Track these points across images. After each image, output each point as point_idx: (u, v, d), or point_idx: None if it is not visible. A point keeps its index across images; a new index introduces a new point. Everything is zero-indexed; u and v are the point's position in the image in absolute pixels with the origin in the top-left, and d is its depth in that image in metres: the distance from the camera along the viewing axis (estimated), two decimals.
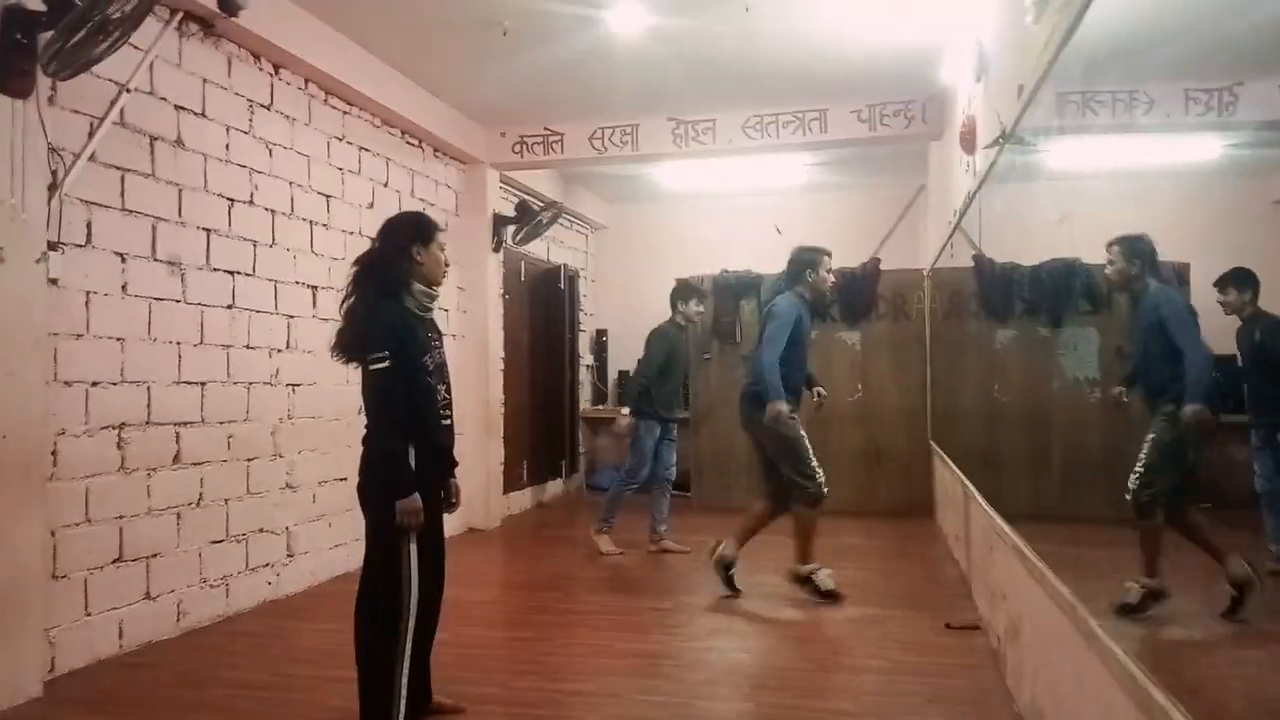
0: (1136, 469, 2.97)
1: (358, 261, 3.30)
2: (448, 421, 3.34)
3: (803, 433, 5.17)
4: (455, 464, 3.47)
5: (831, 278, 5.42)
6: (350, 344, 3.21)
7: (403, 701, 3.14)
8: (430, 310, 3.39)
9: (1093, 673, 2.34)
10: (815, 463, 5.13)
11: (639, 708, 3.62)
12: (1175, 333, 3.13)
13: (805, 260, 5.27)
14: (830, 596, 5.10)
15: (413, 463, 3.17)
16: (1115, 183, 3.43)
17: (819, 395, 5.69)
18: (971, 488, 5.00)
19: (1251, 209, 3.30)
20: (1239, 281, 2.87)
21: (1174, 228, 3.10)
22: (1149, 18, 2.72)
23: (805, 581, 5.16)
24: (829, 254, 5.31)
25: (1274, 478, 2.85)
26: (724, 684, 3.91)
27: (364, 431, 3.22)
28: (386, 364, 3.11)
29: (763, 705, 3.67)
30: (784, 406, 4.98)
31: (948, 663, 4.04)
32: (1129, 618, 2.74)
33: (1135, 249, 3.21)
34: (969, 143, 5.04)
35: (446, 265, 3.42)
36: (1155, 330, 3.25)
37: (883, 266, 8.47)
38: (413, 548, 3.17)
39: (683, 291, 6.57)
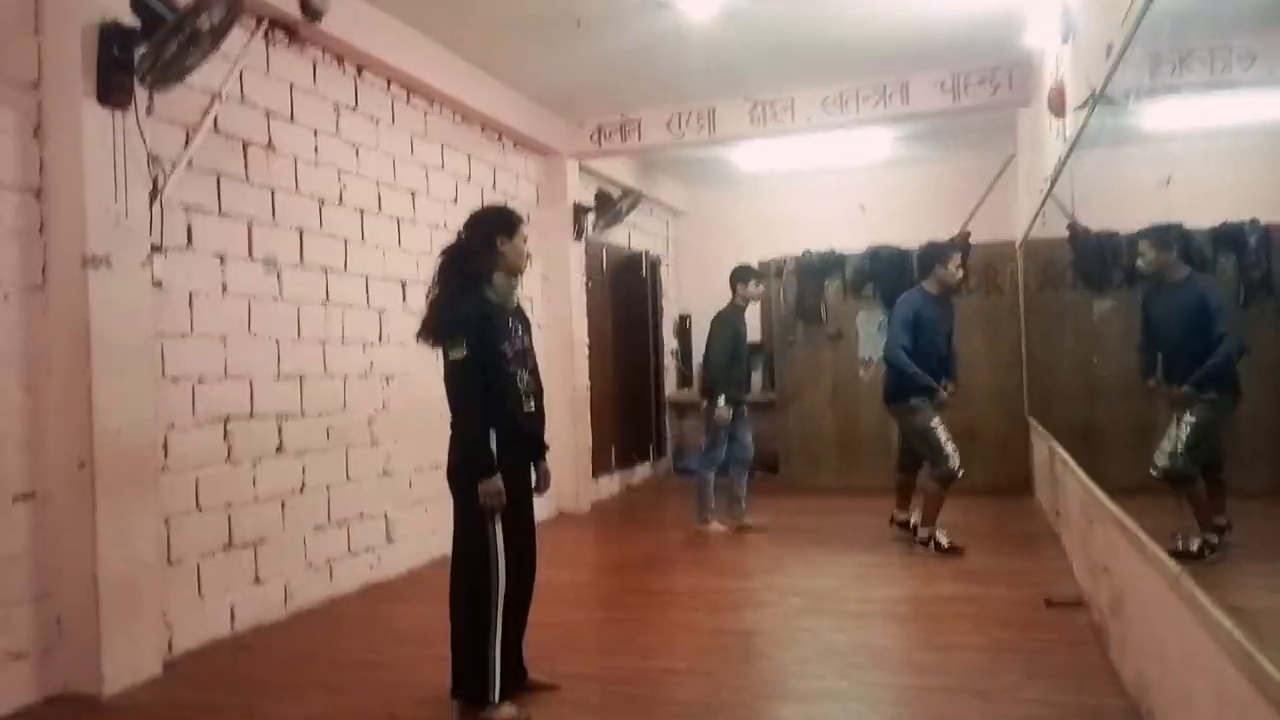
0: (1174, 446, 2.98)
1: (444, 253, 3.42)
2: (532, 408, 3.40)
3: (933, 424, 5.59)
4: (545, 448, 3.54)
5: (960, 272, 5.90)
6: (431, 331, 3.34)
7: (497, 678, 3.23)
8: (512, 300, 3.47)
9: (1201, 645, 2.26)
10: (950, 447, 5.59)
11: (733, 685, 3.63)
12: (1216, 319, 3.07)
13: (933, 255, 5.86)
14: (952, 551, 5.55)
15: (494, 446, 3.25)
16: (1213, 142, 3.27)
17: (946, 388, 5.82)
18: (1071, 462, 4.85)
19: None
20: None
21: (1277, 187, 2.95)
22: None
23: (926, 542, 5.65)
24: (956, 250, 5.92)
25: None
26: (818, 662, 3.89)
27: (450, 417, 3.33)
28: (463, 352, 3.22)
29: (858, 684, 3.64)
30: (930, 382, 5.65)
31: (1049, 639, 3.94)
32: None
33: (1166, 239, 3.17)
34: (1059, 106, 4.86)
35: (529, 256, 3.50)
36: (1196, 316, 3.16)
37: (973, 240, 8.25)
38: (498, 528, 3.25)
39: (741, 273, 6.61)
